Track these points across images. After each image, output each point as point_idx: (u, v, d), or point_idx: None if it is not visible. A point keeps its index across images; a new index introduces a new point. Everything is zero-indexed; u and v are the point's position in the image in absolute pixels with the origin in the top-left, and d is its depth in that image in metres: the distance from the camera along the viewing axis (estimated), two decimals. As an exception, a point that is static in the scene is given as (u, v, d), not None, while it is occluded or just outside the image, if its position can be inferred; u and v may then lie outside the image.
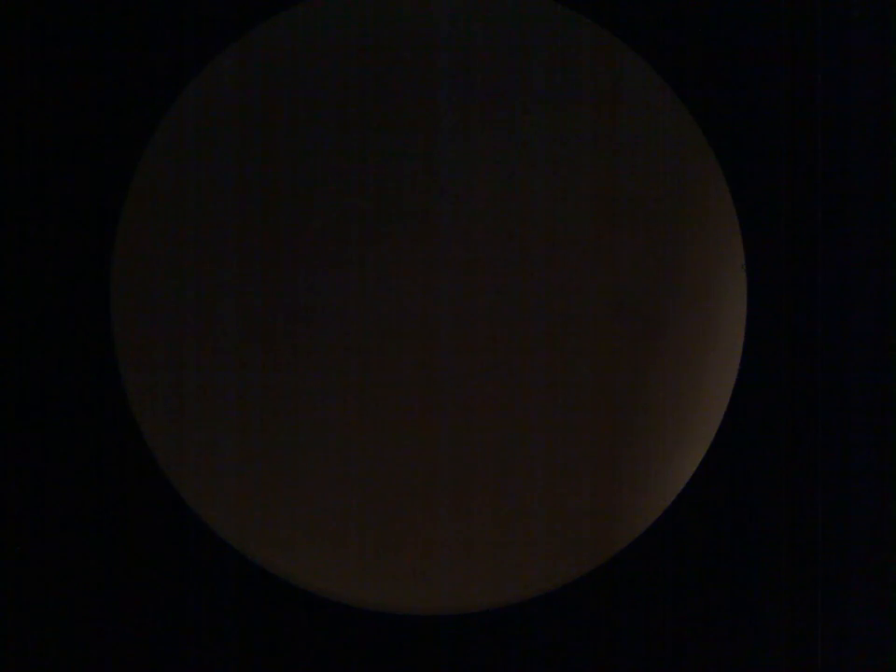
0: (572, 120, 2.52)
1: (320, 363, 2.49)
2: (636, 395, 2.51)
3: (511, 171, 2.51)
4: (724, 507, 2.55)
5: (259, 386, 2.49)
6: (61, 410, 2.52)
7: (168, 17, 2.55)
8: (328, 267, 2.49)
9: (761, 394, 2.56)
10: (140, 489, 2.52)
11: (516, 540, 2.50)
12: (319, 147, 2.50)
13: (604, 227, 2.51)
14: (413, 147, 2.50)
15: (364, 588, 2.51)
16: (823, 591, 2.56)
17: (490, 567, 2.51)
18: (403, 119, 2.50)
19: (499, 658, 2.54)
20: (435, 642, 2.53)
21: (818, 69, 2.58)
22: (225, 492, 2.51)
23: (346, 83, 2.51)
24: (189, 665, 2.53)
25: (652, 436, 2.52)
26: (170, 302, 2.50)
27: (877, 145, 2.59)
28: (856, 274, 2.57)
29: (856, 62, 2.59)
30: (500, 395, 2.49)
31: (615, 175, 2.53)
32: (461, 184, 2.51)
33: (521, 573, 2.51)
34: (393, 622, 2.53)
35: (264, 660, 2.53)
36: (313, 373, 2.49)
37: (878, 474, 2.57)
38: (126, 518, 2.52)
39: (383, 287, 2.50)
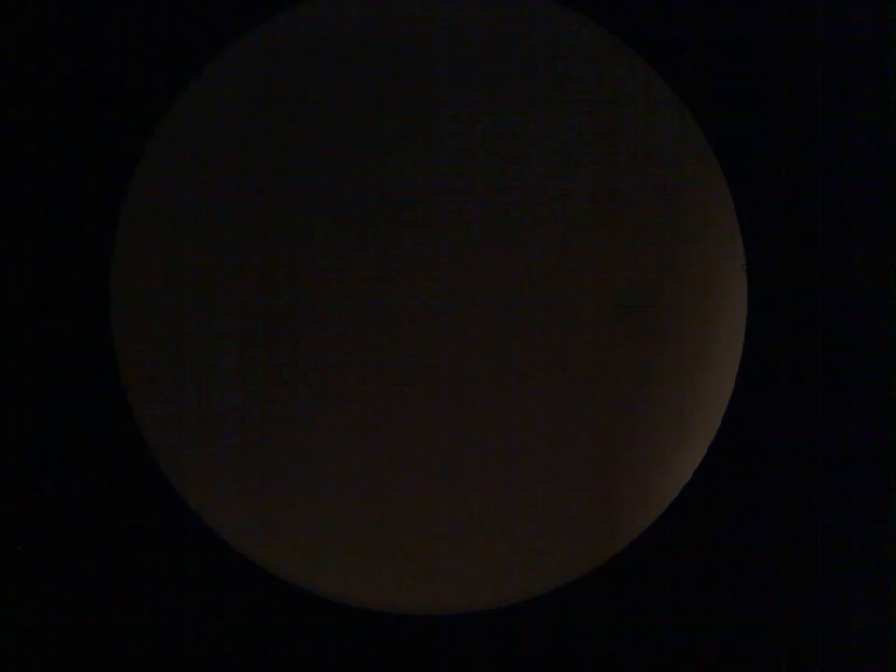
0: (572, 120, 2.52)
1: (320, 364, 2.49)
2: (636, 395, 2.51)
3: (510, 171, 2.51)
4: (724, 507, 2.55)
5: (259, 387, 2.49)
6: (61, 410, 2.52)
7: (167, 17, 2.55)
8: (327, 267, 2.49)
9: (761, 394, 2.56)
10: (140, 489, 2.52)
11: (516, 540, 2.50)
12: (319, 147, 2.50)
13: (604, 227, 2.51)
14: (413, 146, 2.50)
15: (365, 588, 2.51)
16: (823, 591, 2.56)
17: (490, 567, 2.51)
18: (403, 119, 2.50)
19: (499, 658, 2.54)
20: (435, 642, 2.53)
21: (818, 69, 2.58)
22: (225, 492, 2.51)
23: (346, 83, 2.51)
24: (188, 664, 2.53)
25: (652, 436, 2.52)
26: (170, 303, 2.50)
27: (877, 144, 2.59)
28: (856, 275, 2.58)
29: (856, 62, 2.59)
30: (501, 395, 2.50)
31: (615, 175, 2.53)
32: (461, 184, 2.51)
33: (521, 573, 2.52)
34: (393, 622, 2.53)
35: (264, 659, 2.54)
36: (313, 374, 2.49)
37: (878, 474, 2.57)
38: (126, 518, 2.52)
39: (382, 288, 2.50)
